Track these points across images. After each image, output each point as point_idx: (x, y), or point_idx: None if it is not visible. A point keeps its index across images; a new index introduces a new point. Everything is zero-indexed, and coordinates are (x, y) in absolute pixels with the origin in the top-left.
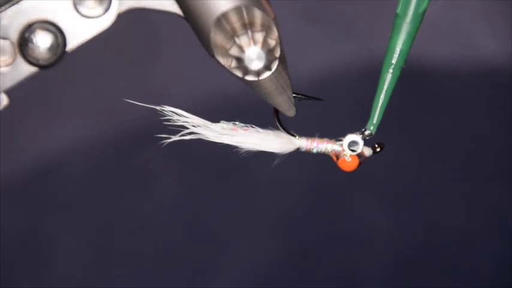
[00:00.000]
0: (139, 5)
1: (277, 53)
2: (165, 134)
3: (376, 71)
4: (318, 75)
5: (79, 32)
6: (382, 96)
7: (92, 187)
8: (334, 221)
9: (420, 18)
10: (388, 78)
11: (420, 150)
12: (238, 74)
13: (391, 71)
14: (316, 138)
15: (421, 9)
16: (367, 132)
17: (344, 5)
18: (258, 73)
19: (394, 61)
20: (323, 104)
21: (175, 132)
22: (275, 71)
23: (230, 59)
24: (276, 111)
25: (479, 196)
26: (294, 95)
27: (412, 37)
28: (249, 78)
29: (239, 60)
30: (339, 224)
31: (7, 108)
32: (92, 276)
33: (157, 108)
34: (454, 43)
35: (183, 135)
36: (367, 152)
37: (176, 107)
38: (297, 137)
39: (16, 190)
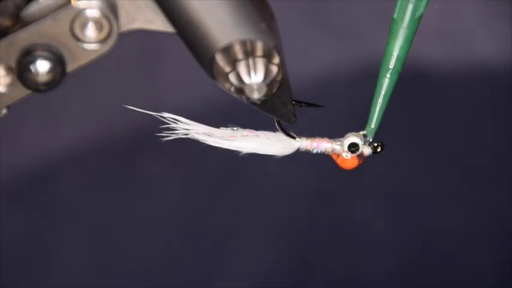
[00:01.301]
0: (140, 27)
1: (279, 77)
2: (165, 137)
3: (377, 73)
4: (318, 78)
5: (79, 56)
6: (380, 100)
7: (93, 191)
8: (334, 225)
9: (417, 23)
10: (385, 83)
11: (420, 154)
12: (239, 97)
13: (388, 75)
14: (316, 138)
15: (418, 14)
16: (368, 138)
17: (344, 8)
18: (258, 99)
19: (391, 66)
20: (324, 103)
21: (177, 139)
22: (276, 92)
23: (230, 84)
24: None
25: (480, 200)
26: (294, 102)
27: (409, 42)
28: (250, 100)
29: (239, 88)
30: (339, 228)
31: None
32: (93, 281)
33: (158, 115)
34: (453, 45)
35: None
36: (367, 151)
37: (176, 112)
38: (297, 138)
39: (17, 194)
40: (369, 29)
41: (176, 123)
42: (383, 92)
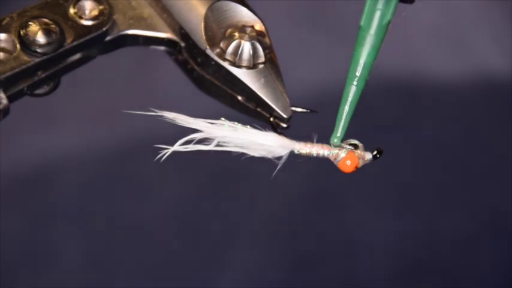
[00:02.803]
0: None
1: (268, 43)
2: (164, 143)
3: (375, 73)
4: (316, 79)
5: (76, 31)
6: (347, 108)
7: (91, 193)
8: (334, 226)
9: (384, 30)
10: (352, 91)
11: (419, 156)
12: (231, 65)
13: (355, 83)
14: (314, 144)
15: (385, 21)
16: (334, 145)
17: (342, 9)
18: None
19: (358, 73)
20: (320, 109)
21: (173, 142)
22: (267, 62)
23: (222, 51)
24: (272, 119)
25: (479, 200)
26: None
27: (377, 49)
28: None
29: (232, 53)
30: (338, 229)
31: (6, 114)
32: (90, 281)
33: (158, 114)
34: (453, 45)
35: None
36: (367, 156)
37: (175, 111)
38: (296, 146)
39: (15, 197)
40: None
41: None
42: (349, 100)
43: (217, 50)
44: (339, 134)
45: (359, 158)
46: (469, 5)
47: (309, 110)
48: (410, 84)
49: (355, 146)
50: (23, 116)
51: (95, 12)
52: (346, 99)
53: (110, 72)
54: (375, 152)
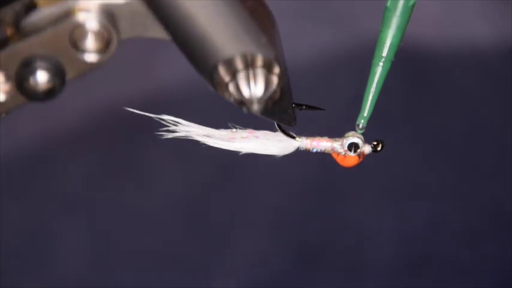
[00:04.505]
0: (139, 35)
1: (279, 87)
2: (165, 135)
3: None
4: (316, 70)
5: (78, 66)
6: (373, 89)
7: (92, 186)
8: (335, 218)
9: (410, 12)
10: (378, 71)
11: (421, 147)
12: (239, 107)
13: (381, 64)
14: (316, 138)
15: (411, 2)
16: (360, 126)
17: (345, 4)
18: (258, 111)
19: (384, 54)
20: (322, 99)
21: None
22: (276, 101)
23: (229, 95)
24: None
25: (481, 193)
26: (293, 105)
27: (402, 30)
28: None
29: (239, 100)
30: (340, 221)
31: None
32: (92, 276)
33: (157, 117)
34: (454, 39)
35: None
36: (367, 149)
37: (176, 111)
38: (297, 138)
39: (15, 189)
40: (366, 18)
41: (176, 125)
42: (376, 80)
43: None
44: (365, 115)
45: (359, 157)
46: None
47: (314, 108)
48: (411, 76)
49: (356, 146)
50: (23, 107)
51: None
52: (373, 80)
53: (115, 66)
54: (374, 143)
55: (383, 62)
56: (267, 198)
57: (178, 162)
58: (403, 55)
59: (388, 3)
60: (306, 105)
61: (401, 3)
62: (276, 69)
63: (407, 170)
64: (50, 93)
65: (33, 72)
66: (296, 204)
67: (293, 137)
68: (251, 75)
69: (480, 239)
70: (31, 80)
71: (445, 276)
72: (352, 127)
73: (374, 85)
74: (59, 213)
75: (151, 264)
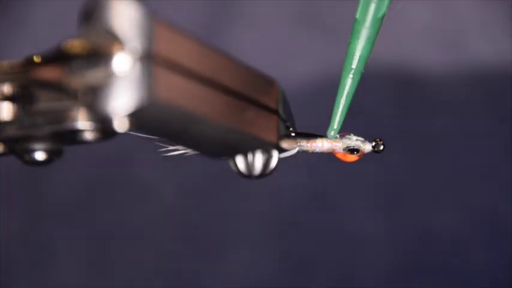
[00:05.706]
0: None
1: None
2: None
3: (370, 73)
4: (312, 77)
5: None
6: (343, 101)
7: (89, 194)
8: (326, 227)
9: (379, 23)
10: (348, 83)
11: (414, 154)
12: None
13: (351, 76)
14: (316, 140)
15: (380, 14)
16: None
17: (338, 8)
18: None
19: (353, 66)
20: (319, 106)
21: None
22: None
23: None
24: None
25: (475, 200)
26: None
27: (372, 42)
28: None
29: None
30: (330, 229)
31: None
32: (87, 281)
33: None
34: (447, 46)
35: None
36: (367, 148)
37: None
38: (297, 140)
39: (13, 198)
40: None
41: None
42: (345, 93)
43: None
44: (335, 127)
45: (359, 157)
46: (465, 3)
47: (315, 136)
48: (406, 82)
49: (357, 151)
50: None
51: None
52: (342, 92)
53: None
54: (373, 143)
55: (353, 74)
56: (259, 208)
57: (173, 171)
58: (393, 60)
59: (357, 15)
60: (306, 134)
61: (370, 15)
62: (275, 153)
63: (402, 177)
64: (45, 163)
65: (30, 152)
66: (291, 213)
67: (294, 139)
68: (250, 160)
69: (471, 245)
70: (27, 157)
71: (440, 283)
72: (352, 129)
73: (344, 97)
74: (53, 222)
75: (146, 274)
